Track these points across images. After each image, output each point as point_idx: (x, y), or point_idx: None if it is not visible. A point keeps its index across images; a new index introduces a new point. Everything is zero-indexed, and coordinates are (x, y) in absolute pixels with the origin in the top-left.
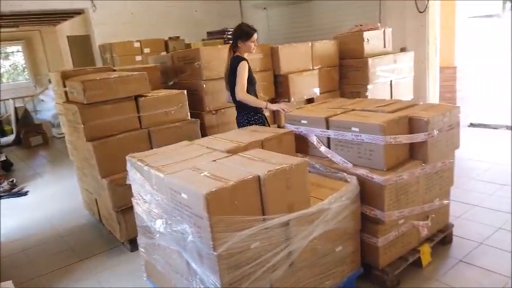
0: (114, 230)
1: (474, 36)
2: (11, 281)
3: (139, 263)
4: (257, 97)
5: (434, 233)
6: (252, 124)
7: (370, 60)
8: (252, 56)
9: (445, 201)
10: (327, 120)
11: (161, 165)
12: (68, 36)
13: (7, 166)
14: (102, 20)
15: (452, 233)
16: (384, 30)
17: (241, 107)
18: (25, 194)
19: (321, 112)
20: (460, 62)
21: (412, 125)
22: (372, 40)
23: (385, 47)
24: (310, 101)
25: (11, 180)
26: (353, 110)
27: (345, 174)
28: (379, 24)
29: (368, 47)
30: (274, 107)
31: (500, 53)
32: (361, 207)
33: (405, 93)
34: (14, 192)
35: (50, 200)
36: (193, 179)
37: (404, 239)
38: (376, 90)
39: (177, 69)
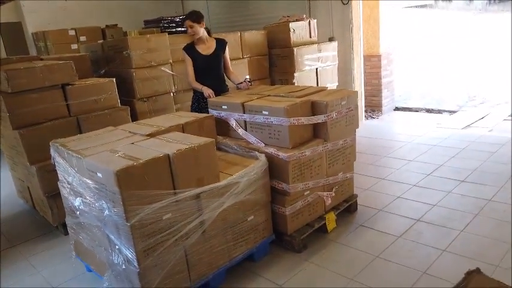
0: (46, 215)
1: (408, 25)
2: None
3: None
4: (221, 78)
5: (340, 202)
6: (201, 105)
7: (295, 50)
8: (180, 45)
9: (349, 175)
10: (243, 105)
11: (81, 148)
12: None
13: None
14: (33, 7)
15: (357, 202)
16: (309, 21)
17: (193, 89)
18: None
19: (239, 98)
20: (386, 50)
21: (314, 108)
22: (298, 30)
23: (310, 37)
24: None
25: None
26: (268, 95)
27: (257, 153)
28: (304, 16)
29: (294, 37)
30: (204, 91)
31: (433, 40)
32: (271, 182)
33: (330, 80)
34: None
35: None
36: (108, 159)
37: (311, 208)
38: (303, 77)
39: (108, 58)
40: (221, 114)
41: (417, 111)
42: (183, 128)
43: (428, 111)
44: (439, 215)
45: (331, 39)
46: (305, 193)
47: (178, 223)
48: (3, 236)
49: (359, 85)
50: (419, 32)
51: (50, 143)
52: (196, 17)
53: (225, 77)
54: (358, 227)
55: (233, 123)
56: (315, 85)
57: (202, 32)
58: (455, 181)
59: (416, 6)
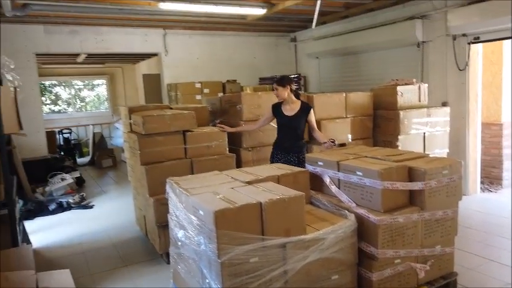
0: (155, 243)
1: None
2: (68, 270)
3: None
4: (297, 137)
5: (437, 278)
6: (276, 156)
7: (401, 113)
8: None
9: (448, 249)
10: (338, 163)
11: (190, 187)
12: (143, 74)
13: (80, 182)
14: (172, 62)
15: (456, 281)
16: (419, 86)
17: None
18: (91, 207)
19: (336, 156)
20: (510, 119)
21: (412, 174)
22: (406, 94)
23: (420, 101)
24: (342, 145)
25: (81, 194)
26: (365, 156)
27: (347, 212)
28: (414, 80)
29: (402, 100)
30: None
31: None
32: (359, 244)
33: (440, 146)
34: (83, 204)
35: (110, 214)
36: (210, 200)
37: (402, 278)
38: (408, 141)
39: (223, 110)
40: (316, 170)
41: None
42: (278, 179)
43: None
44: None
45: (444, 104)
46: (395, 261)
47: (263, 268)
48: (119, 256)
49: (474, 154)
50: None
51: (167, 180)
52: (280, 81)
53: (301, 135)
54: None
55: (327, 180)
56: (421, 150)
57: (286, 94)
58: None
59: None
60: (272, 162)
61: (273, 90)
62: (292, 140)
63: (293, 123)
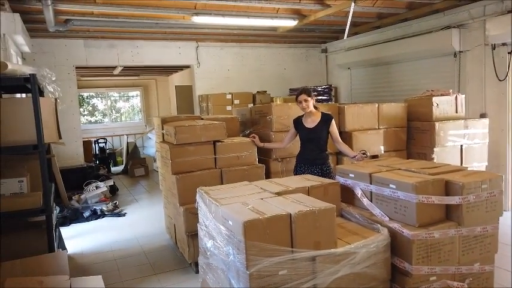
0: (184, 252)
1: None
2: (100, 276)
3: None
4: (320, 149)
5: None
6: (298, 168)
7: (437, 124)
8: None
9: (488, 268)
10: (370, 175)
11: (220, 197)
12: (176, 86)
13: (113, 190)
14: (203, 74)
15: None
16: (456, 96)
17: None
18: (123, 215)
19: (368, 168)
20: None
21: (448, 188)
22: (442, 105)
23: (457, 112)
24: (374, 157)
25: (114, 202)
26: (399, 169)
27: (380, 226)
28: (450, 91)
29: (437, 111)
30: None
31: None
32: (392, 259)
33: (478, 159)
34: (115, 212)
35: (141, 222)
36: (239, 210)
37: None
38: (444, 153)
39: (253, 121)
40: (347, 182)
41: None
42: (308, 191)
43: None
44: None
45: (482, 116)
46: (430, 278)
47: (292, 281)
48: (150, 264)
49: None
50: None
51: (197, 189)
52: (310, 92)
53: (325, 147)
54: None
55: (359, 192)
56: (458, 163)
57: (312, 106)
58: None
59: None
60: (296, 174)
61: (298, 102)
62: (315, 151)
63: (315, 135)
